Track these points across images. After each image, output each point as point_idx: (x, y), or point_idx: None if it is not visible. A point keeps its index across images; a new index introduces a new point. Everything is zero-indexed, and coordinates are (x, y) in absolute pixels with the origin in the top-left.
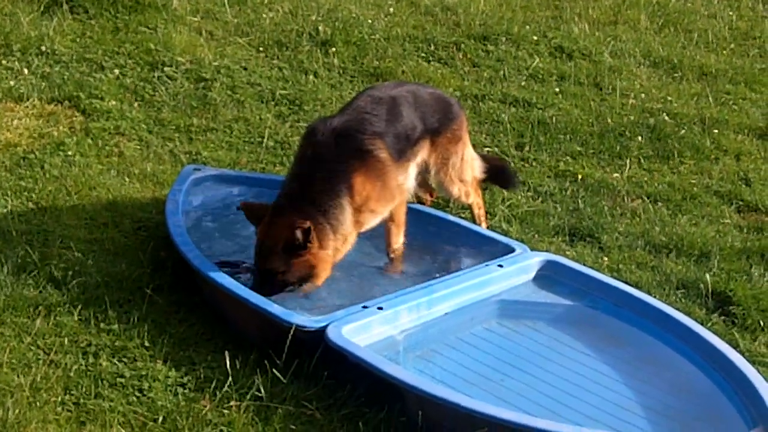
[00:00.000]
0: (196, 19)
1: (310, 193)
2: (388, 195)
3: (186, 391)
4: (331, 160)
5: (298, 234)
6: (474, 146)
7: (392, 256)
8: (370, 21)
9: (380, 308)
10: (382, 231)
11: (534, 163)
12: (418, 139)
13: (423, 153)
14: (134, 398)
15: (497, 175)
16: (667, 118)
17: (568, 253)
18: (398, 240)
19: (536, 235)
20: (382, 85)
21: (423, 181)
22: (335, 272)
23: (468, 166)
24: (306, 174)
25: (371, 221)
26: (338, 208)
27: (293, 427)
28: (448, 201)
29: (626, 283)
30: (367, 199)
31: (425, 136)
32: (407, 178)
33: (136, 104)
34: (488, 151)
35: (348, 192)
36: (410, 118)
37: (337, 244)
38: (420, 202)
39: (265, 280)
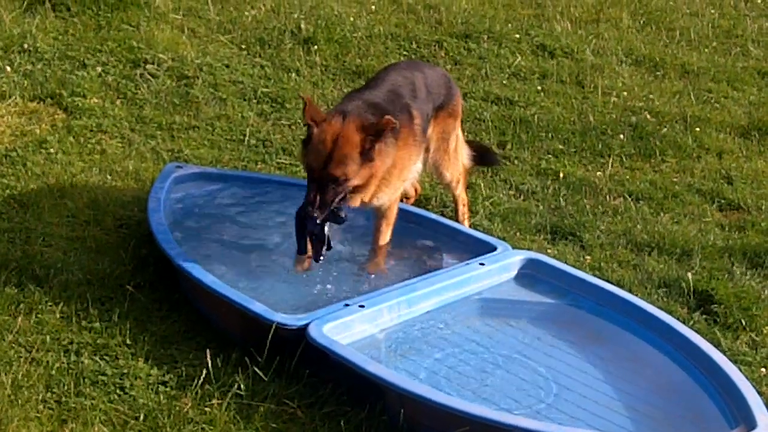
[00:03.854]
0: (178, 16)
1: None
2: (407, 172)
3: (167, 389)
4: (389, 102)
5: (389, 133)
6: None
7: (378, 253)
8: (352, 19)
9: (362, 306)
10: (364, 228)
11: (516, 161)
12: (429, 119)
13: (429, 130)
14: (116, 396)
15: (481, 156)
16: (649, 116)
17: (549, 251)
18: (386, 238)
19: (518, 234)
20: (397, 66)
21: None
22: (317, 269)
23: (461, 147)
24: (375, 103)
25: (383, 193)
26: (388, 144)
27: (274, 425)
28: (430, 199)
29: (608, 281)
30: (395, 161)
31: (432, 114)
32: (421, 161)
33: (118, 102)
34: None
35: (396, 139)
36: (427, 99)
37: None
38: (402, 199)
39: (326, 192)
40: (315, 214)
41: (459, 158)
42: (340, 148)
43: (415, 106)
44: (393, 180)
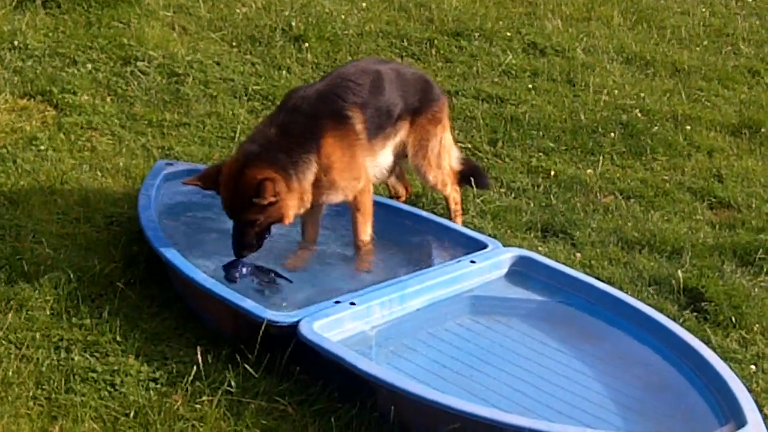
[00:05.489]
0: (168, 13)
1: (285, 142)
2: (354, 171)
3: (158, 385)
4: (309, 116)
5: (269, 188)
6: None
7: (361, 249)
8: (343, 16)
9: (352, 303)
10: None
11: (507, 159)
12: (398, 118)
13: (402, 133)
14: (106, 393)
15: (471, 173)
16: (639, 114)
17: (540, 249)
18: (366, 231)
19: (509, 231)
20: (366, 59)
21: (400, 174)
22: (307, 267)
23: (446, 152)
24: (284, 123)
25: (330, 194)
26: (306, 163)
27: (265, 422)
28: (421, 197)
29: (599, 279)
30: (331, 165)
31: (405, 115)
32: (381, 157)
33: (108, 99)
34: (461, 147)
35: (317, 151)
36: (392, 94)
37: (301, 195)
38: (393, 197)
39: (245, 234)
40: (242, 255)
41: (443, 161)
42: (238, 198)
43: (355, 104)
44: (337, 182)
